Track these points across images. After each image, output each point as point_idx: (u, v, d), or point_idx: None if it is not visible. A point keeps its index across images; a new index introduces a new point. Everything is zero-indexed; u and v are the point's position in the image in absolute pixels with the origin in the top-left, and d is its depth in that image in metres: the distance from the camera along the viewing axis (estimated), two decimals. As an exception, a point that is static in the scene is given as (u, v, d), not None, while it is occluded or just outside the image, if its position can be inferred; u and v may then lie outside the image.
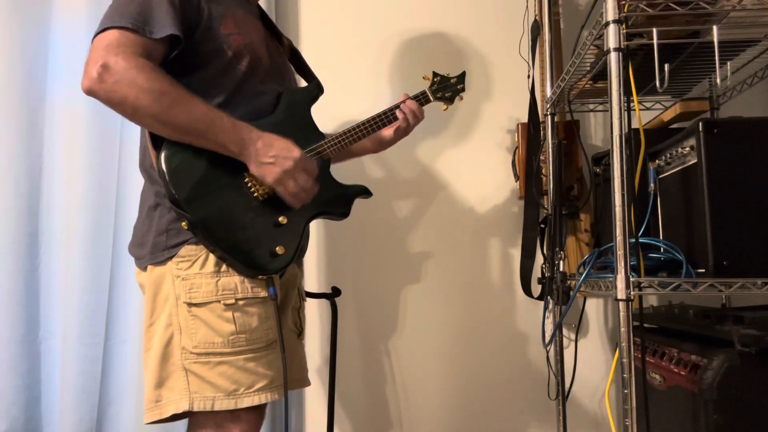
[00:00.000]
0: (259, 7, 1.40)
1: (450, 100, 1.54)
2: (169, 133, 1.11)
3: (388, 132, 1.51)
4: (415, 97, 1.49)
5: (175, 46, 1.14)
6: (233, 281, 1.14)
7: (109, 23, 1.08)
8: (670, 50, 1.46)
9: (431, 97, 1.51)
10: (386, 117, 1.42)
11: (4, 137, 1.79)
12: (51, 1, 1.87)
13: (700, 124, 1.26)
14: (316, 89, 1.38)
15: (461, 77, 1.55)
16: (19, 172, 1.80)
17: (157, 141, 1.13)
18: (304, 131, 1.29)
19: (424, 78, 1.54)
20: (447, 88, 1.53)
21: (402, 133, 1.52)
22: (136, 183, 1.29)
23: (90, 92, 1.06)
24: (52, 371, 1.81)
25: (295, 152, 1.18)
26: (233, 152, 1.14)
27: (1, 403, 1.73)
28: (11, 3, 1.81)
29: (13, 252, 1.77)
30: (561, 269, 1.72)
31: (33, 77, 1.84)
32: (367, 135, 1.39)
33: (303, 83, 1.44)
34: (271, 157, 1.15)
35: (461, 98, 1.56)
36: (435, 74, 1.54)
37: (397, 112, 1.44)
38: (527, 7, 1.97)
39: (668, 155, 1.41)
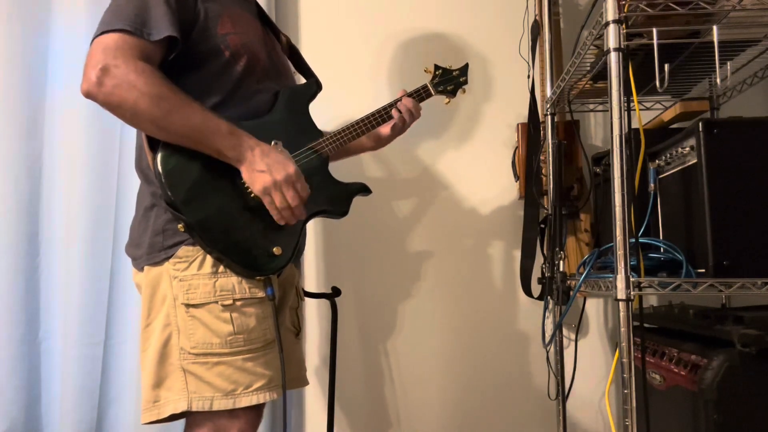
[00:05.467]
0: (257, 4, 1.39)
1: (452, 93, 1.53)
2: (166, 138, 1.11)
3: (385, 129, 1.50)
4: (416, 91, 1.48)
5: (173, 48, 1.13)
6: (231, 282, 1.14)
7: (107, 26, 1.08)
8: (670, 50, 1.45)
9: (433, 91, 1.50)
10: (385, 113, 1.42)
11: (4, 137, 1.79)
12: (51, 3, 1.87)
13: (700, 124, 1.26)
14: (314, 86, 1.37)
15: (464, 69, 1.54)
16: (19, 172, 1.80)
17: (153, 142, 1.13)
18: (302, 129, 1.29)
19: (425, 71, 1.52)
20: (449, 81, 1.52)
21: (398, 131, 1.50)
22: (136, 183, 1.29)
23: (89, 95, 1.06)
24: (52, 371, 1.81)
25: (290, 168, 1.16)
26: (229, 158, 1.14)
27: (1, 403, 1.73)
28: (11, 4, 1.81)
29: (13, 252, 1.77)
30: (561, 269, 1.72)
31: (33, 77, 1.83)
32: (365, 132, 1.38)
33: (302, 80, 1.44)
34: (265, 165, 1.14)
35: (464, 91, 1.54)
36: (437, 67, 1.52)
37: (393, 111, 1.43)
38: (527, 7, 1.97)
39: (668, 155, 1.41)
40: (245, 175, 1.15)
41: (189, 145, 1.11)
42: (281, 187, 1.14)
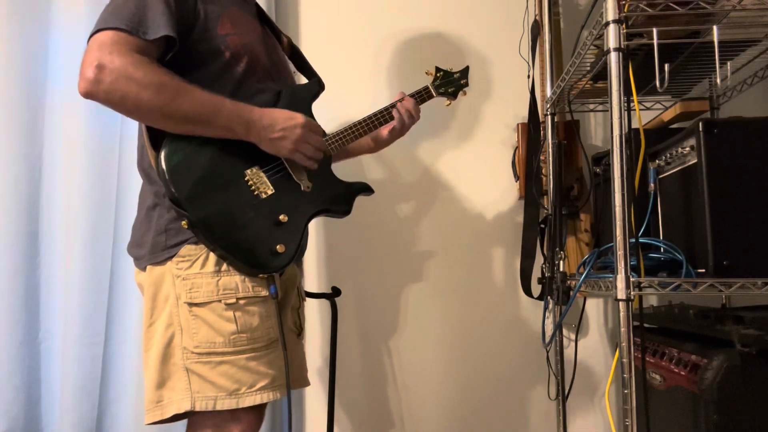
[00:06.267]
0: (257, 5, 1.39)
1: (453, 95, 1.54)
2: (173, 125, 1.10)
3: (384, 131, 1.50)
4: (418, 93, 1.48)
5: (170, 48, 1.13)
6: (234, 280, 1.13)
7: (103, 25, 1.07)
8: (670, 50, 1.45)
9: (434, 93, 1.51)
10: (387, 114, 1.42)
11: (4, 137, 1.79)
12: (51, 3, 1.87)
13: (700, 124, 1.26)
14: (317, 86, 1.37)
15: (464, 72, 1.55)
16: (19, 172, 1.80)
17: (155, 141, 1.13)
18: None
19: (427, 73, 1.53)
20: (450, 83, 1.53)
21: (397, 133, 1.49)
22: (136, 183, 1.29)
23: (88, 94, 1.05)
24: (52, 371, 1.81)
25: (299, 118, 1.20)
26: (240, 134, 1.15)
27: (1, 403, 1.73)
28: (11, 4, 1.81)
29: (13, 252, 1.77)
30: (561, 269, 1.72)
31: (33, 77, 1.83)
32: (368, 132, 1.38)
33: (303, 81, 1.44)
34: (280, 131, 1.17)
35: (465, 93, 1.56)
36: (438, 69, 1.53)
37: (393, 112, 1.43)
38: (527, 7, 1.97)
39: (668, 155, 1.41)
40: (265, 147, 1.18)
41: (196, 130, 1.11)
42: (304, 139, 1.20)
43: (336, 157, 1.46)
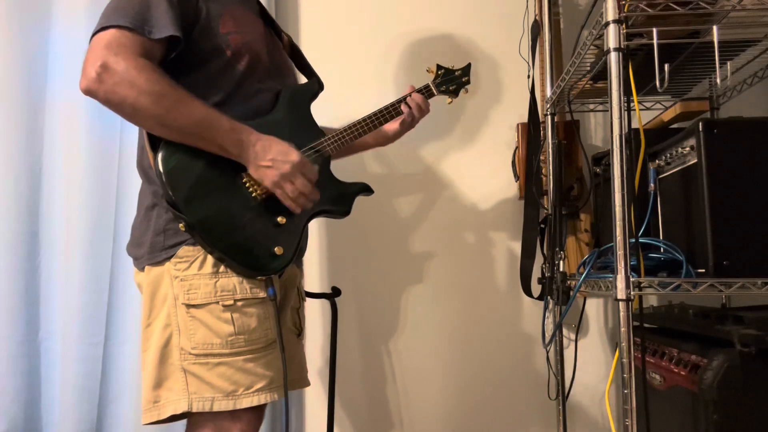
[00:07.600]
0: (259, 3, 1.39)
1: (455, 93, 1.52)
2: (168, 135, 1.11)
3: (392, 126, 1.50)
4: (419, 91, 1.48)
5: (175, 47, 1.13)
6: (232, 282, 1.13)
7: (108, 22, 1.07)
8: (670, 50, 1.45)
9: (435, 91, 1.49)
10: (389, 112, 1.41)
11: (4, 137, 1.79)
12: (51, 3, 1.87)
13: (700, 124, 1.26)
14: (315, 85, 1.37)
15: (466, 69, 1.53)
16: (19, 172, 1.80)
17: (154, 142, 1.13)
18: (303, 129, 1.29)
19: (428, 71, 1.52)
20: (452, 81, 1.51)
21: (407, 126, 1.50)
22: (136, 183, 1.30)
23: (88, 92, 1.05)
24: (52, 371, 1.81)
25: (293, 156, 1.17)
26: (232, 154, 1.14)
27: (1, 402, 1.73)
28: (11, 3, 1.81)
29: (13, 252, 1.77)
30: (561, 269, 1.72)
31: (33, 77, 1.83)
32: (368, 131, 1.37)
33: (303, 80, 1.44)
34: (269, 161, 1.15)
35: (466, 91, 1.54)
36: (439, 67, 1.51)
37: (403, 106, 1.43)
38: (527, 7, 1.97)
39: (668, 155, 1.41)
40: (252, 171, 1.16)
41: (191, 142, 1.11)
42: (289, 177, 1.16)
43: (341, 153, 1.44)
